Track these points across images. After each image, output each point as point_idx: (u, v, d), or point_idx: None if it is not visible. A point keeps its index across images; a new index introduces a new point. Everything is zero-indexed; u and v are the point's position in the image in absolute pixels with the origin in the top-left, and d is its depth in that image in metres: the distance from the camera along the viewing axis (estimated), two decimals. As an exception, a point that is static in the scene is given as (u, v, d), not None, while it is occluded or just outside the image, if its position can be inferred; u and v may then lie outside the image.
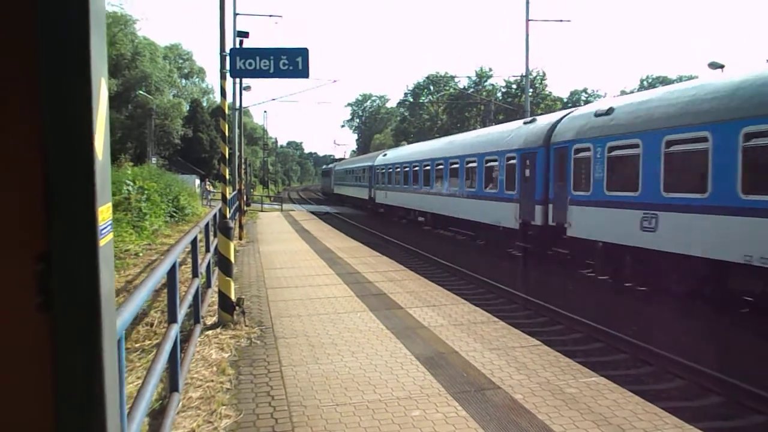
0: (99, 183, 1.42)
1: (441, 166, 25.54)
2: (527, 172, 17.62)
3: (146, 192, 21.78)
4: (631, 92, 65.81)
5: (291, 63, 8.56)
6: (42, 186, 1.39)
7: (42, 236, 1.40)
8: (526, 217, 17.30)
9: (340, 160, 77.67)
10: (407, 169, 31.09)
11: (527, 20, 31.71)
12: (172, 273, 5.06)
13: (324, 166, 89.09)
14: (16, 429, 1.44)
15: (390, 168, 35.08)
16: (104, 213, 1.48)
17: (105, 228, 1.49)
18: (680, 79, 69.46)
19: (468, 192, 22.06)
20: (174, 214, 25.39)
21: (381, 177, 37.39)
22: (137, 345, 7.44)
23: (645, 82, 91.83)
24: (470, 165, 22.16)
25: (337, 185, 59.28)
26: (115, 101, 55.40)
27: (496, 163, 19.80)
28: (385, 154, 39.73)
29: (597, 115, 14.63)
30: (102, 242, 1.45)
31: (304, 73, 8.70)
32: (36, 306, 1.42)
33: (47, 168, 1.38)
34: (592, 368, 6.30)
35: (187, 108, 66.48)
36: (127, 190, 20.76)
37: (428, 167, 27.35)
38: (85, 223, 1.40)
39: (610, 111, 14.15)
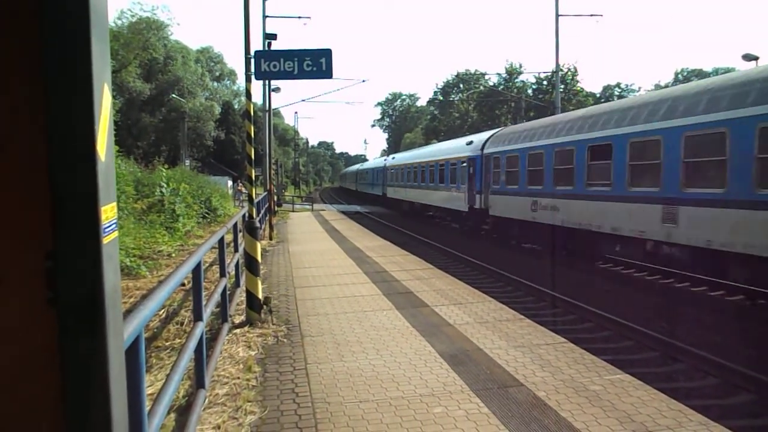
0: (102, 183, 1.49)
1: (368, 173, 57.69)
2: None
3: (179, 194, 22.14)
4: (666, 86, 64.45)
5: (315, 64, 8.65)
6: (49, 187, 1.46)
7: (50, 235, 1.48)
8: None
9: (364, 161, 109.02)
10: (364, 173, 66.30)
11: (557, 15, 31.41)
12: (197, 272, 5.15)
13: (340, 172, 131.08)
14: (27, 418, 1.52)
15: (362, 173, 69.15)
16: (108, 212, 1.55)
17: (109, 227, 1.55)
18: (716, 72, 67.92)
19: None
20: (206, 215, 25.76)
21: (360, 177, 70.27)
22: (167, 343, 7.61)
23: (680, 75, 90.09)
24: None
25: (347, 183, 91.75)
26: (148, 105, 56.38)
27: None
28: (364, 164, 77.80)
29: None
30: (106, 240, 1.52)
31: (327, 73, 8.79)
32: (46, 302, 1.49)
33: (52, 170, 1.45)
34: (618, 366, 6.24)
35: (219, 110, 67.26)
36: (161, 192, 21.12)
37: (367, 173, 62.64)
38: (88, 222, 1.47)
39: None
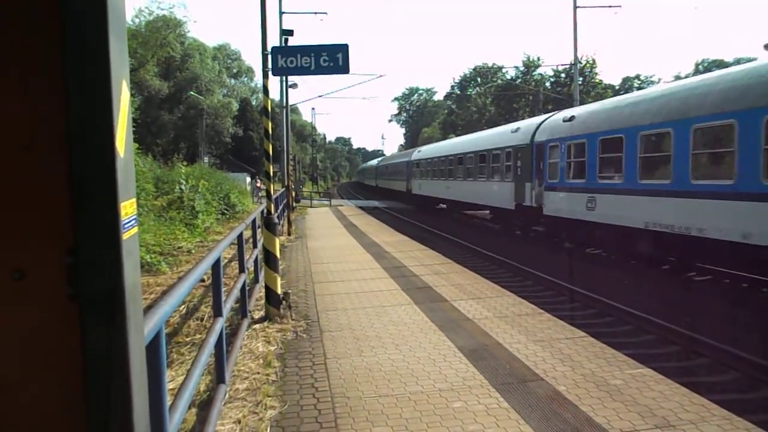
0: (121, 180, 1.50)
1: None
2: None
3: (199, 191, 22.28)
4: (686, 77, 63.50)
5: (331, 59, 8.65)
6: (69, 184, 1.47)
7: (71, 232, 1.49)
8: None
9: (382, 156, 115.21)
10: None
11: (575, 7, 31.15)
12: (216, 268, 5.19)
13: (358, 168, 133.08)
14: (50, 412, 1.54)
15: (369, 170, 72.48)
16: (127, 208, 1.56)
17: (128, 222, 1.56)
18: (738, 62, 66.77)
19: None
20: (225, 211, 25.92)
21: (369, 173, 72.17)
22: (188, 339, 7.68)
23: (700, 66, 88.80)
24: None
25: (363, 178, 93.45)
26: (167, 103, 56.78)
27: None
28: (378, 161, 76.90)
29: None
30: (125, 236, 1.53)
31: (344, 68, 8.78)
32: (67, 298, 1.51)
33: (72, 167, 1.46)
34: (639, 360, 6.18)
35: (237, 107, 67.55)
36: (180, 189, 21.28)
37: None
38: (108, 219, 1.48)
39: None
